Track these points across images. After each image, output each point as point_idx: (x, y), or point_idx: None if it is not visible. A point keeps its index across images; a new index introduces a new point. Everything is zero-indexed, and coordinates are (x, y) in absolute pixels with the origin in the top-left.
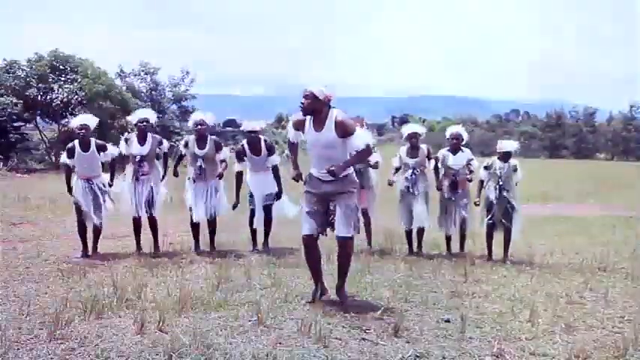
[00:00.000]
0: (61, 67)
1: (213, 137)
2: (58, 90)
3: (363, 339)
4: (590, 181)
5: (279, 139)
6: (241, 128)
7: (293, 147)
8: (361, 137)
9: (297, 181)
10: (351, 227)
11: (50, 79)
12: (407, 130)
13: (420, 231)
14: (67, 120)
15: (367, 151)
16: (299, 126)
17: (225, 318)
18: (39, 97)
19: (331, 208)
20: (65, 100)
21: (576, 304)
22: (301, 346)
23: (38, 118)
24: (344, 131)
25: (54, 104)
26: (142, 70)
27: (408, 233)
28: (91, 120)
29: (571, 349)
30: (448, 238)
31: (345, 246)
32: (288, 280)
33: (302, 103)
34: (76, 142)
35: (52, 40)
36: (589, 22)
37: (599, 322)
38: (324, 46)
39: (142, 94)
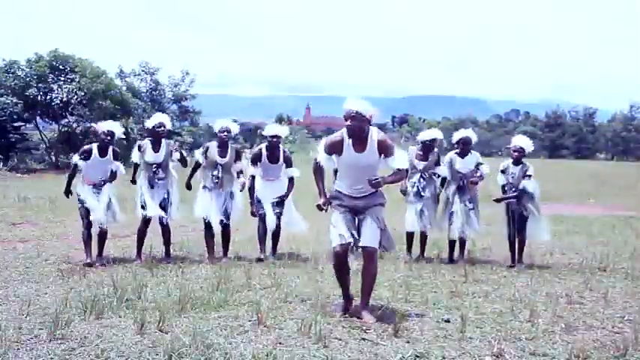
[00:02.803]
0: (60, 67)
1: (235, 146)
2: (57, 90)
3: (363, 339)
4: (590, 181)
5: None
6: (263, 132)
7: (321, 171)
8: (401, 158)
9: (324, 210)
10: (377, 239)
11: (50, 79)
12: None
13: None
14: (67, 120)
15: (406, 172)
16: (335, 148)
17: (225, 318)
18: (39, 97)
19: (360, 219)
20: (65, 99)
21: (576, 304)
22: (301, 346)
23: (38, 118)
24: (387, 151)
25: (54, 104)
26: (142, 70)
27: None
28: (117, 128)
29: (571, 349)
30: (451, 243)
31: (370, 258)
32: (288, 280)
33: (352, 125)
34: (95, 145)
35: (52, 40)
36: (589, 21)
37: (599, 322)
38: (324, 46)
39: (142, 94)
